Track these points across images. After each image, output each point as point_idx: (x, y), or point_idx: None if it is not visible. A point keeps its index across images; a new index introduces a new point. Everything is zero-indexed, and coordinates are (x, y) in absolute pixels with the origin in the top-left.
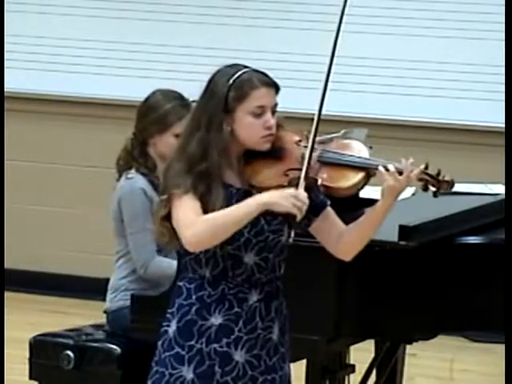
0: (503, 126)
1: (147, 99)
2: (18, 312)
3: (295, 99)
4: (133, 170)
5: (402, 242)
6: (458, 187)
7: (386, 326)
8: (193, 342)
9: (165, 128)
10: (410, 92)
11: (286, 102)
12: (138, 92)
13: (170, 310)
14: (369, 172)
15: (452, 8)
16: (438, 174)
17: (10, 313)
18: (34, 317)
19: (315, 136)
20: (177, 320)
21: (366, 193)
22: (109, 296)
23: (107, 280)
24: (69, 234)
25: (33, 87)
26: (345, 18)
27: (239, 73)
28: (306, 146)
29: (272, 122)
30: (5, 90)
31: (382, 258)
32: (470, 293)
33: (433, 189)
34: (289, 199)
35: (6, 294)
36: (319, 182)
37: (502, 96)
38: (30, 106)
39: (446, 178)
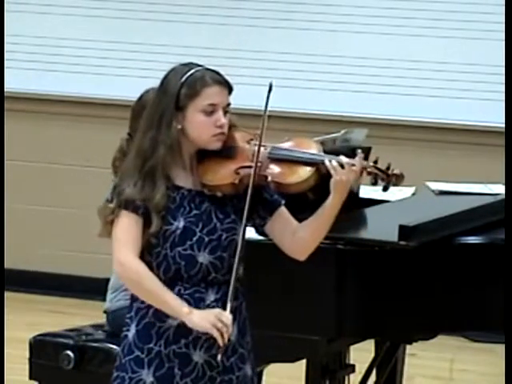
0: (503, 126)
1: (140, 98)
2: (17, 312)
3: (295, 99)
4: None
5: (401, 242)
6: (458, 187)
7: (386, 325)
8: (152, 345)
9: None
10: (409, 92)
11: (286, 102)
12: (137, 92)
13: (128, 315)
14: (318, 168)
15: (452, 8)
16: (388, 168)
17: (9, 313)
18: (34, 317)
19: (262, 133)
20: (136, 323)
21: (366, 193)
22: (109, 296)
23: (107, 280)
24: (69, 234)
25: (33, 87)
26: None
27: (192, 71)
28: (256, 145)
29: (223, 120)
30: (5, 89)
31: (381, 258)
32: (469, 293)
33: (382, 182)
34: (211, 321)
35: (6, 294)
36: (269, 178)
37: (502, 96)
38: (30, 106)
39: (395, 172)
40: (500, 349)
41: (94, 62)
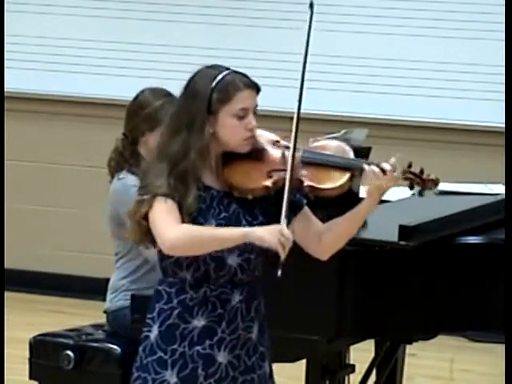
0: (503, 126)
1: (136, 98)
2: (18, 312)
3: (295, 99)
4: (124, 171)
5: (402, 242)
6: (458, 187)
7: (386, 325)
8: (175, 346)
9: (155, 125)
10: (410, 92)
11: (286, 101)
12: (137, 92)
13: (150, 316)
14: (355, 172)
15: (452, 8)
16: (422, 172)
17: (9, 313)
18: (34, 317)
19: (296, 136)
20: (158, 325)
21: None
22: (109, 296)
23: (107, 280)
24: (69, 234)
25: (33, 87)
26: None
27: (222, 74)
28: (286, 147)
29: (254, 123)
30: (5, 90)
31: (382, 258)
32: (469, 293)
33: (418, 187)
34: (274, 234)
35: (6, 294)
36: (305, 183)
37: (502, 96)
38: (30, 106)
39: (431, 177)
40: (500, 349)
41: (94, 62)
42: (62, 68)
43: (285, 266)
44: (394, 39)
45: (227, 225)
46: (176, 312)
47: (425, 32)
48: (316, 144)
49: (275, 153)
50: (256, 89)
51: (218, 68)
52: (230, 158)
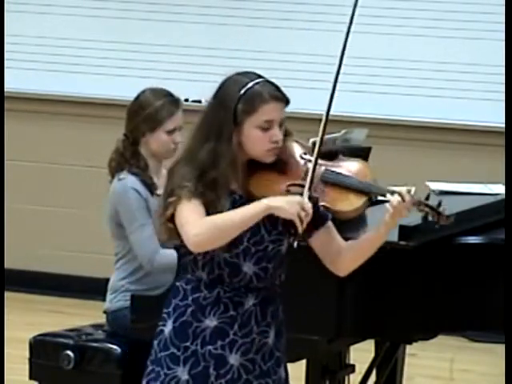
0: (503, 126)
1: (137, 98)
2: (18, 312)
3: (295, 99)
4: (125, 172)
5: (402, 242)
6: (458, 187)
7: (386, 326)
8: (188, 343)
9: (156, 125)
10: (410, 92)
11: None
12: (137, 92)
13: (166, 310)
14: (371, 197)
15: (452, 8)
16: (439, 204)
17: (9, 313)
18: (34, 317)
19: (318, 155)
20: (172, 320)
21: None
22: (108, 297)
23: (107, 280)
24: (69, 234)
25: (33, 87)
26: (355, 17)
27: (250, 84)
28: (310, 161)
29: (279, 136)
30: (5, 90)
31: (381, 258)
32: (469, 293)
33: (432, 219)
34: (294, 206)
35: (6, 294)
36: (320, 202)
37: (502, 96)
38: (30, 106)
39: (446, 213)
40: (500, 349)
41: (94, 62)
42: (62, 68)
43: (301, 238)
44: (393, 39)
45: (246, 231)
46: (190, 310)
47: (425, 32)
48: (340, 163)
49: (298, 167)
50: (285, 101)
51: (248, 76)
52: (254, 166)
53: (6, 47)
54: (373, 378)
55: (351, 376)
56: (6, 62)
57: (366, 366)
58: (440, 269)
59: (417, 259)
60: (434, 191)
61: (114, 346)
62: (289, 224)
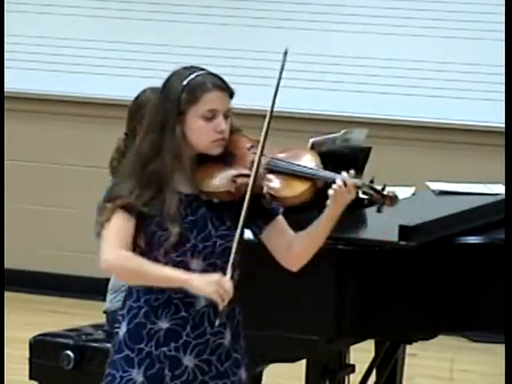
0: (503, 126)
1: (137, 98)
2: (18, 312)
3: (295, 99)
4: None
5: (402, 242)
6: (458, 187)
7: (386, 326)
8: (142, 345)
9: None
10: (410, 92)
11: (286, 102)
12: (138, 92)
13: (121, 312)
14: (314, 183)
15: (452, 8)
16: (383, 188)
17: (9, 313)
18: (34, 317)
19: (264, 143)
20: (127, 322)
21: None
22: (109, 297)
23: (107, 280)
24: (69, 234)
25: (33, 87)
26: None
27: (193, 75)
28: (256, 153)
29: (223, 126)
30: (5, 90)
31: (381, 258)
32: (469, 293)
33: (377, 203)
34: (212, 286)
35: (6, 294)
36: (265, 189)
37: (502, 96)
38: (30, 106)
39: (390, 194)
40: (500, 349)
41: (94, 61)
42: (62, 68)
43: (223, 319)
44: (393, 39)
45: (193, 229)
46: (143, 311)
47: (425, 32)
48: (285, 152)
49: (244, 158)
50: (228, 92)
51: (191, 69)
52: (203, 160)
53: (6, 47)
54: (373, 378)
55: (351, 376)
56: (6, 62)
57: (366, 366)
58: (440, 269)
59: (417, 259)
60: (434, 191)
61: None
62: (237, 218)
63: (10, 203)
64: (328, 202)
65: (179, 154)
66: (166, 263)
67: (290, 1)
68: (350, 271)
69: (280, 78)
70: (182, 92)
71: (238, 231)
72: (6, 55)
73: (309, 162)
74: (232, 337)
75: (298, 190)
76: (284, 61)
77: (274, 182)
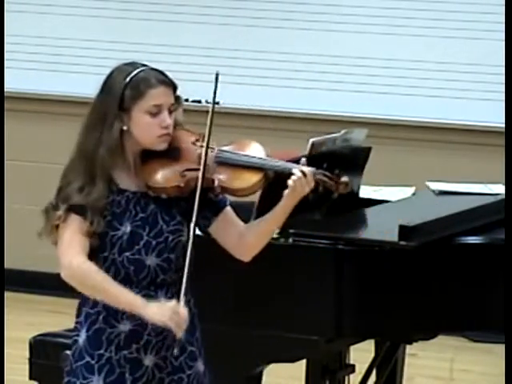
0: (503, 125)
1: None
2: (17, 312)
3: (295, 99)
4: None
5: (402, 242)
6: (458, 187)
7: (386, 326)
8: (102, 351)
9: None
10: (410, 92)
11: (286, 102)
12: None
13: (77, 320)
14: (266, 173)
15: (452, 8)
16: (338, 175)
17: (9, 313)
18: (34, 317)
19: (209, 135)
20: (86, 329)
21: (366, 193)
22: None
23: None
24: None
25: (33, 87)
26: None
27: (136, 71)
28: (202, 146)
29: (169, 121)
30: (5, 90)
31: (381, 258)
32: (469, 293)
33: (331, 189)
34: (166, 313)
35: (6, 294)
36: (216, 183)
37: (502, 96)
38: (30, 106)
39: (343, 179)
40: (500, 349)
41: (94, 62)
42: (62, 68)
43: (179, 341)
44: (393, 39)
45: (144, 226)
46: (102, 316)
47: (425, 32)
48: (234, 145)
49: (191, 152)
50: (172, 86)
51: (133, 65)
52: (147, 156)
53: (6, 47)
54: (373, 378)
55: (351, 376)
56: (6, 62)
57: (366, 365)
58: (440, 269)
59: (417, 259)
60: (434, 191)
61: None
62: (187, 213)
63: (10, 203)
64: (286, 191)
65: (115, 149)
66: (122, 262)
67: (290, 1)
68: (350, 271)
69: (214, 98)
70: (126, 88)
71: (193, 225)
72: (6, 55)
73: (257, 152)
74: (187, 330)
75: (249, 181)
76: (216, 86)
77: (225, 174)
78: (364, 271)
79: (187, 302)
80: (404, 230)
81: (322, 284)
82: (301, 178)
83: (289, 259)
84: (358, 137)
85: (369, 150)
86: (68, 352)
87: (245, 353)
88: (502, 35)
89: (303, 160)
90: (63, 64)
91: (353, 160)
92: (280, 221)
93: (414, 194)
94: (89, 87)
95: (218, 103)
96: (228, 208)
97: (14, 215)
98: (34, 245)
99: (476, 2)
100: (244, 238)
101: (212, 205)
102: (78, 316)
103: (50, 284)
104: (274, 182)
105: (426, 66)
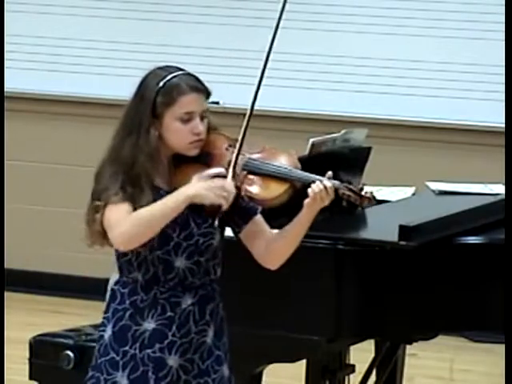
0: (503, 125)
1: None
2: (17, 312)
3: (295, 99)
4: None
5: (401, 242)
6: (458, 187)
7: (386, 325)
8: (127, 348)
9: None
10: (410, 92)
11: (286, 102)
12: None
13: (105, 315)
14: (294, 184)
15: (452, 8)
16: (361, 189)
17: (9, 313)
18: (34, 317)
19: (242, 143)
20: (112, 325)
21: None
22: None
23: (107, 280)
24: (69, 234)
25: (33, 87)
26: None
27: (169, 76)
28: (234, 152)
29: (200, 128)
30: (5, 89)
31: (381, 258)
32: (469, 293)
33: (355, 203)
34: (214, 190)
35: (6, 294)
36: (242, 192)
37: (502, 96)
38: (30, 106)
39: (368, 195)
40: (500, 349)
41: (94, 62)
42: (62, 68)
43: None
44: (393, 39)
45: (175, 227)
46: (128, 313)
47: (425, 32)
48: (263, 153)
49: (222, 158)
50: (205, 93)
51: (167, 69)
52: (179, 160)
53: (6, 47)
54: (373, 378)
55: (351, 376)
56: (6, 62)
57: (366, 365)
58: (440, 269)
59: (417, 259)
60: (434, 191)
61: None
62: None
63: (10, 203)
64: (306, 201)
65: (154, 155)
66: (152, 260)
67: (290, 1)
68: (351, 271)
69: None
70: (158, 94)
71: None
72: (6, 55)
73: (286, 162)
74: (215, 334)
75: (276, 191)
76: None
77: (252, 184)
78: (364, 271)
79: (216, 306)
80: (404, 230)
81: (321, 284)
82: (321, 191)
83: (289, 259)
84: (358, 137)
85: (369, 150)
86: (68, 352)
87: (245, 353)
88: (502, 35)
89: (329, 173)
90: (63, 64)
91: (353, 160)
92: (302, 232)
93: (413, 194)
94: (89, 87)
95: (217, 103)
96: (258, 216)
97: (14, 215)
98: (34, 245)
99: (476, 2)
100: (270, 247)
101: (242, 212)
102: (105, 312)
103: (50, 284)
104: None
105: (426, 66)
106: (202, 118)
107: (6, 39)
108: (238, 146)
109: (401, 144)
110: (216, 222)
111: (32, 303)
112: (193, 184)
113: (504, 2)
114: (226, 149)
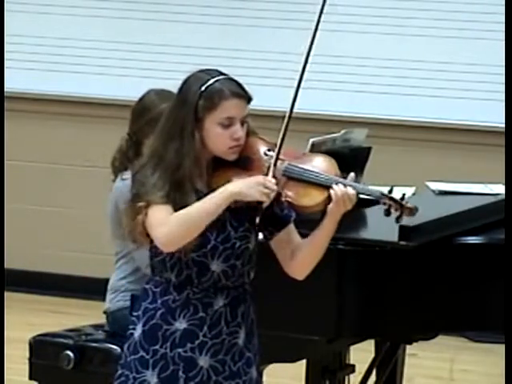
0: (503, 126)
1: (141, 99)
2: (17, 312)
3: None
4: (128, 171)
5: (402, 242)
6: (458, 187)
7: (386, 326)
8: (157, 347)
9: None
10: (410, 92)
11: (286, 102)
12: (138, 92)
13: (135, 314)
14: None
15: (452, 8)
16: (402, 198)
17: (9, 313)
18: (34, 317)
19: (280, 148)
20: (142, 324)
21: None
22: (108, 297)
23: (107, 280)
24: (69, 234)
25: (33, 87)
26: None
27: (212, 80)
28: (273, 157)
29: (240, 133)
30: (5, 89)
31: (381, 258)
32: (469, 293)
33: (395, 213)
34: (256, 188)
35: (6, 294)
36: (282, 198)
37: (502, 96)
38: (30, 106)
39: (409, 205)
40: (500, 349)
41: (94, 61)
42: (62, 68)
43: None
44: (394, 39)
45: (213, 230)
46: (159, 312)
47: (425, 32)
48: (304, 158)
49: (261, 162)
50: (246, 98)
51: (210, 73)
52: (219, 163)
53: (6, 47)
54: (373, 378)
55: (351, 376)
56: (6, 62)
57: (366, 365)
58: (440, 269)
59: (417, 259)
60: (434, 191)
61: (114, 346)
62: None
63: (10, 203)
64: (330, 206)
65: (198, 159)
66: (187, 263)
67: (290, 1)
68: (351, 271)
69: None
70: (200, 98)
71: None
72: (6, 55)
73: (326, 169)
74: (246, 336)
75: (316, 199)
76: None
77: (293, 190)
78: (364, 271)
79: (247, 308)
80: (404, 230)
81: (322, 284)
82: (344, 194)
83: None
84: (358, 137)
85: (369, 149)
86: (68, 352)
87: None
88: (502, 35)
89: (352, 175)
90: (63, 64)
91: (353, 160)
92: (327, 236)
93: (413, 194)
94: (89, 87)
95: None
96: (291, 225)
97: (14, 215)
98: (34, 245)
99: (476, 2)
100: (295, 257)
101: (276, 220)
102: (136, 310)
103: (50, 284)
104: None
105: (427, 66)
106: (242, 124)
107: (6, 39)
108: (276, 150)
109: (401, 144)
110: (257, 220)
111: (32, 303)
112: (234, 182)
113: (504, 2)
114: (265, 153)
